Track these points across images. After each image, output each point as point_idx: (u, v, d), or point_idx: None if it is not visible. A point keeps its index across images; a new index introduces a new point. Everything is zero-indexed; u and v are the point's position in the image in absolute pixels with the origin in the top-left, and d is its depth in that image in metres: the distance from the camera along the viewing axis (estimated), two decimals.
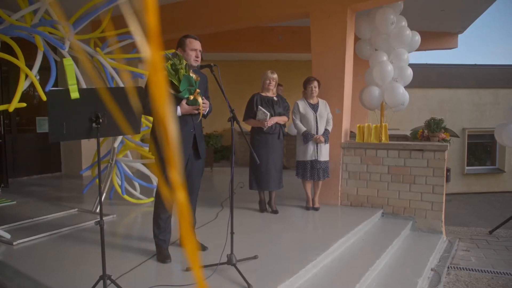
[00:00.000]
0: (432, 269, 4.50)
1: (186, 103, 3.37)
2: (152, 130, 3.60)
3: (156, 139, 3.42)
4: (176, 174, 0.61)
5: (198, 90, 3.41)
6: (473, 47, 45.75)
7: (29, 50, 4.34)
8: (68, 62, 2.86)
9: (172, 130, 0.61)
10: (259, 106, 4.95)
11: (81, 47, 4.72)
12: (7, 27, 4.18)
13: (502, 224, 6.28)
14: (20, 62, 3.88)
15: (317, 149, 5.20)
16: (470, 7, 7.49)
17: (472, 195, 14.03)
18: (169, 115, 0.60)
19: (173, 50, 3.57)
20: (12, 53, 3.96)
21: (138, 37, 0.60)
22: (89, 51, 5.00)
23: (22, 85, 3.85)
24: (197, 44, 3.51)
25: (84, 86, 4.71)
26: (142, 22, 0.59)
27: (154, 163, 3.50)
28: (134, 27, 0.60)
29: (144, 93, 3.09)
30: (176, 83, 3.28)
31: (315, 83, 5.26)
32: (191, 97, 3.37)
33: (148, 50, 0.59)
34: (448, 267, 4.70)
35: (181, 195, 0.62)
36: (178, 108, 3.36)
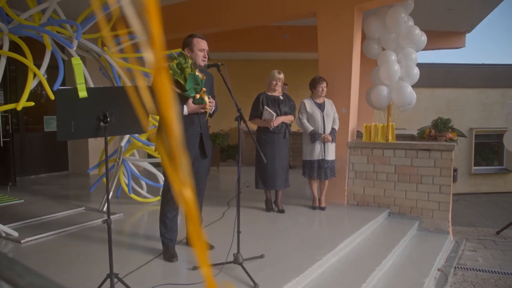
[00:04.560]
0: (438, 269, 4.49)
1: (193, 102, 3.37)
2: (158, 129, 3.61)
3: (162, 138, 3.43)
4: (182, 173, 0.61)
5: (204, 89, 3.41)
6: (480, 47, 45.44)
7: (37, 49, 4.37)
8: (76, 61, 2.88)
9: (177, 130, 0.61)
10: (265, 106, 4.94)
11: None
12: (16, 27, 4.22)
13: (510, 224, 6.24)
14: (28, 61, 3.90)
15: (324, 148, 5.19)
16: (478, 6, 7.44)
17: (479, 195, 13.95)
18: (175, 115, 0.60)
19: (179, 50, 3.57)
20: (21, 52, 3.99)
21: (141, 38, 0.61)
22: (96, 50, 5.02)
23: (30, 84, 3.87)
24: (204, 44, 3.51)
25: (91, 85, 4.73)
26: (144, 23, 0.60)
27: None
28: (137, 28, 0.60)
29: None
30: (182, 82, 3.28)
31: (325, 83, 5.26)
32: (197, 96, 3.37)
33: (151, 50, 0.60)
34: (455, 268, 4.68)
35: (188, 193, 0.62)
36: (185, 107, 3.36)
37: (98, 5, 4.27)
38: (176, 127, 0.61)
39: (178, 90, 3.31)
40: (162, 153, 0.60)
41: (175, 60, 3.31)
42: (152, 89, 0.62)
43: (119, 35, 5.08)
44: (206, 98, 3.41)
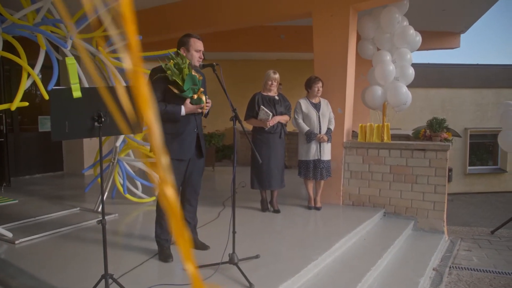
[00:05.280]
0: (434, 269, 4.50)
1: (190, 102, 3.37)
2: None
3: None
4: (163, 171, 0.62)
5: (201, 89, 3.42)
6: (475, 47, 45.68)
7: (31, 49, 4.34)
8: (70, 61, 2.87)
9: (157, 131, 0.62)
10: (262, 106, 4.94)
11: (83, 46, 4.72)
12: (10, 26, 4.19)
13: (504, 224, 6.27)
14: (23, 61, 3.88)
15: (320, 148, 5.19)
16: (472, 7, 7.47)
17: (474, 195, 14.02)
18: (153, 117, 0.61)
19: (175, 49, 3.55)
20: (15, 52, 3.97)
21: (119, 43, 0.61)
22: (91, 50, 5.00)
23: (24, 84, 3.85)
24: (201, 45, 3.50)
25: (86, 85, 4.71)
26: (121, 28, 0.60)
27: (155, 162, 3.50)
28: (114, 34, 0.60)
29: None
30: (180, 82, 3.28)
31: (320, 83, 5.26)
32: (195, 96, 3.37)
33: (128, 56, 0.60)
34: (450, 267, 4.69)
35: (170, 191, 0.62)
36: (182, 107, 3.35)
37: (74, 20, 4.29)
38: (155, 128, 0.61)
39: (175, 91, 3.31)
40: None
41: (172, 60, 3.30)
42: (130, 91, 0.63)
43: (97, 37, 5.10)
44: (203, 98, 3.41)
